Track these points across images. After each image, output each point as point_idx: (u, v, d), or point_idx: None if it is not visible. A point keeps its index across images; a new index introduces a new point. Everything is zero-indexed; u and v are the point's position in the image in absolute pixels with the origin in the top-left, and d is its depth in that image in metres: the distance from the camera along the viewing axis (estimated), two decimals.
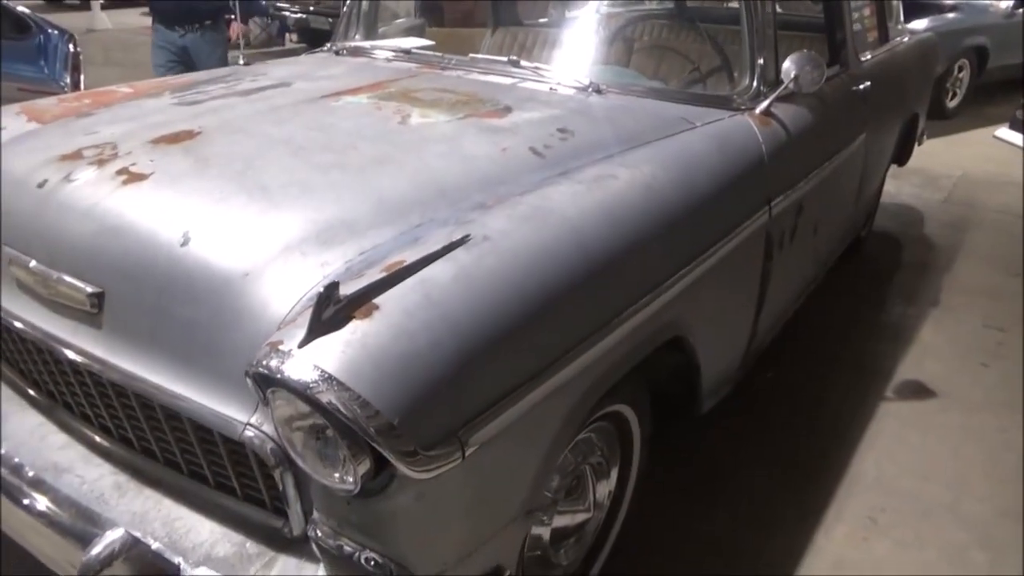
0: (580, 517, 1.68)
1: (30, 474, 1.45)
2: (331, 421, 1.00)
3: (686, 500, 2.14)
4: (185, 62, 4.32)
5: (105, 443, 1.48)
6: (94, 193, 1.40)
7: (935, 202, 4.71)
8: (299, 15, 9.12)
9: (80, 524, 1.36)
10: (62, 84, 4.74)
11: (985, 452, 2.40)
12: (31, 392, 1.61)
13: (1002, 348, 3.02)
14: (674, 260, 1.55)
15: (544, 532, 1.57)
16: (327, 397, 0.97)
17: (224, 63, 4.34)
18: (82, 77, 4.98)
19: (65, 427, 1.55)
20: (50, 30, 5.17)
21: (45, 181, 1.47)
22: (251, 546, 1.29)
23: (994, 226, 4.32)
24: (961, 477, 2.28)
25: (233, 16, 4.48)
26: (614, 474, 1.76)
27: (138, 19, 11.21)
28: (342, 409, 0.97)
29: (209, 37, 4.32)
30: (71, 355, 1.38)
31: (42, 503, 1.40)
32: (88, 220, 1.36)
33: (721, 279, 1.79)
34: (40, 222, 1.43)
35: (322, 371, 0.98)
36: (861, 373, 2.82)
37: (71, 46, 5.02)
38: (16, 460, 1.48)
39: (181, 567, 1.25)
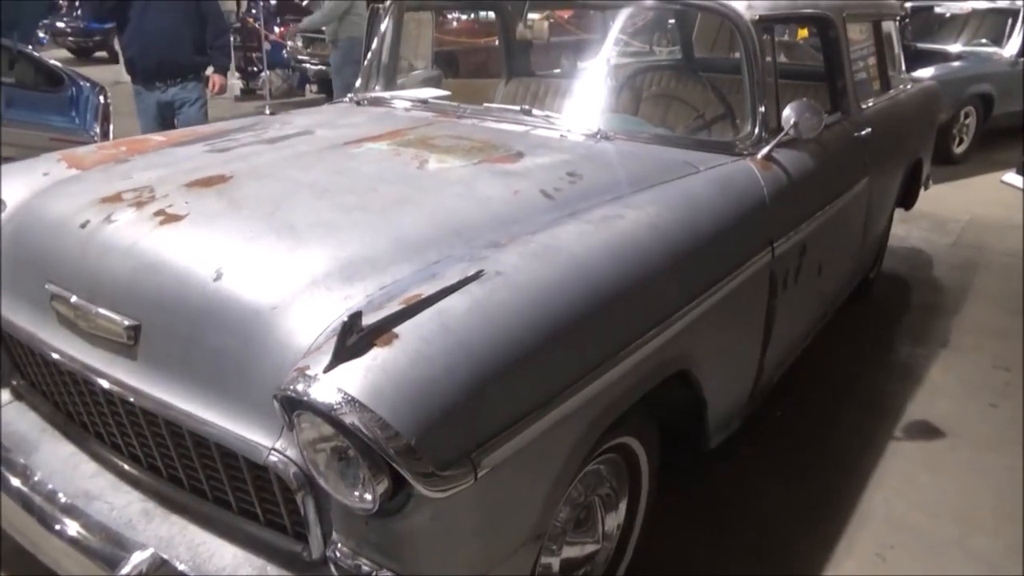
0: (589, 548, 1.72)
1: (63, 500, 1.52)
2: (353, 442, 1.07)
3: (696, 532, 2.17)
4: (169, 118, 4.23)
5: (134, 471, 1.55)
6: (133, 233, 1.50)
7: (944, 245, 4.76)
8: (319, 67, 9.41)
9: (109, 548, 1.42)
10: (92, 134, 4.92)
11: (993, 490, 2.41)
12: (65, 423, 1.69)
13: (1010, 388, 3.04)
14: (678, 296, 1.62)
15: (554, 561, 1.61)
16: (350, 418, 1.04)
17: (206, 117, 4.26)
18: (111, 127, 5.18)
19: (96, 456, 1.62)
20: (82, 82, 5.40)
21: (87, 222, 1.57)
22: (272, 569, 1.34)
23: (1002, 269, 4.36)
24: (969, 514, 2.29)
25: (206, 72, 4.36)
26: (623, 506, 1.80)
27: None
28: (364, 430, 1.03)
29: (191, 90, 4.23)
30: (106, 385, 1.46)
31: (73, 528, 1.47)
32: (127, 258, 1.46)
33: (726, 316, 1.85)
34: (82, 260, 1.52)
35: (345, 394, 1.05)
36: (870, 412, 2.84)
37: (102, 98, 5.24)
38: (49, 487, 1.56)
39: None
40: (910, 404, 2.91)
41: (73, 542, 1.46)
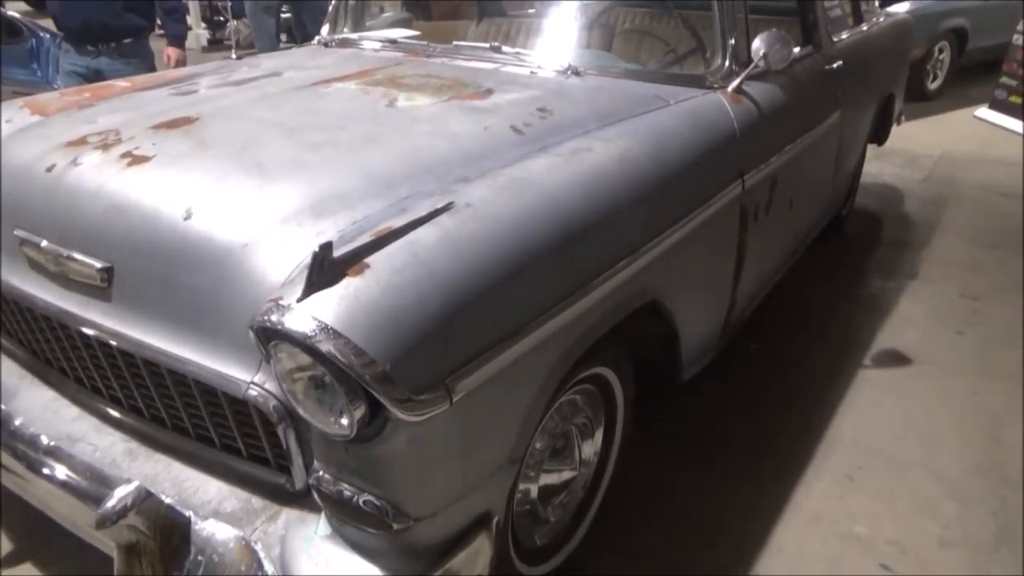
0: (567, 475, 1.77)
1: (46, 444, 1.54)
2: (329, 369, 1.09)
3: (671, 462, 2.24)
4: None
5: (116, 413, 1.57)
6: (100, 175, 1.49)
7: (915, 181, 4.81)
8: (287, 15, 9.15)
9: (95, 486, 1.44)
10: (55, 86, 4.80)
11: (958, 414, 2.50)
12: (44, 369, 1.70)
13: (977, 316, 3.12)
14: (648, 227, 1.64)
15: (532, 488, 1.66)
16: (326, 346, 1.06)
17: None
18: None
19: (77, 401, 1.64)
20: (42, 34, 5.26)
21: (53, 166, 1.55)
22: (256, 501, 1.38)
23: (972, 202, 4.43)
24: (934, 437, 2.38)
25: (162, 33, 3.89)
26: (599, 435, 1.86)
27: None
28: (339, 356, 1.05)
29: (128, 58, 3.69)
30: (83, 328, 1.47)
31: (59, 470, 1.49)
32: (96, 200, 1.45)
33: (696, 248, 1.88)
34: (50, 204, 1.51)
35: (320, 322, 1.06)
36: (840, 343, 2.92)
37: None
38: (31, 431, 1.57)
39: (192, 519, 1.34)
40: (879, 334, 2.98)
41: (60, 484, 1.48)
